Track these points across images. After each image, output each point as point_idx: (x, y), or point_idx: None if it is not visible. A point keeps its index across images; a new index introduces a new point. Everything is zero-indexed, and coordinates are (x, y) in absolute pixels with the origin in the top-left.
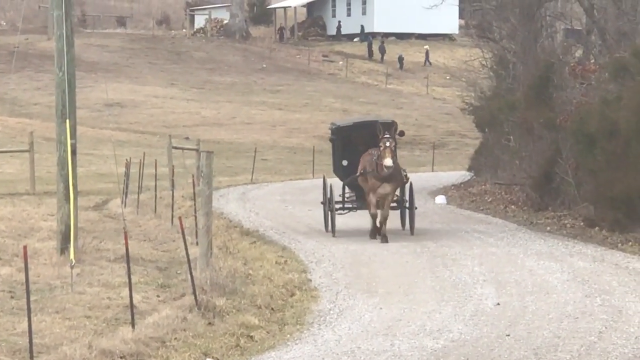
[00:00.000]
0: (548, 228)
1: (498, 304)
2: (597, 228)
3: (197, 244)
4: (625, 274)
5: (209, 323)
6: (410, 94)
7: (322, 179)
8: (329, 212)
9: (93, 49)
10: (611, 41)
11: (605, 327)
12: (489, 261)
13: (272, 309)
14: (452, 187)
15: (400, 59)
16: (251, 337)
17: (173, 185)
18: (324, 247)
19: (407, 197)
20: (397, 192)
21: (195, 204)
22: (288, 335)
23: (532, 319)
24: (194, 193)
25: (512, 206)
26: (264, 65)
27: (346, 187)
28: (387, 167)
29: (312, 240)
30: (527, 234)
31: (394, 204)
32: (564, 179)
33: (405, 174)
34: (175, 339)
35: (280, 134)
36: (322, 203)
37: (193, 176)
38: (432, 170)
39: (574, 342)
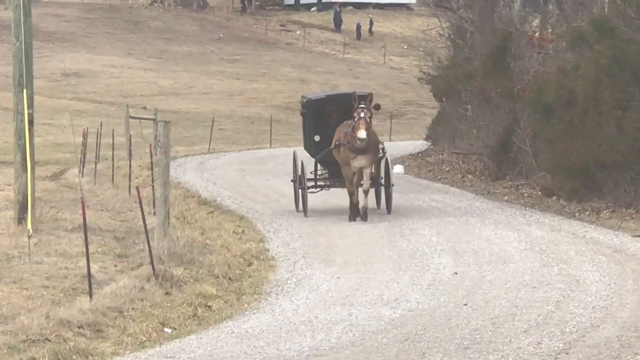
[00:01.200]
0: (505, 197)
1: (455, 273)
2: (554, 197)
3: (154, 213)
4: (583, 243)
5: (167, 293)
6: (368, 63)
7: (281, 150)
8: (300, 191)
9: (50, 18)
10: (569, 10)
11: (563, 297)
12: (446, 231)
13: (230, 278)
14: (410, 157)
15: (358, 28)
16: (209, 306)
17: (130, 155)
18: (282, 217)
19: (382, 173)
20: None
21: (152, 174)
22: (246, 305)
23: (489, 289)
24: (152, 163)
25: (470, 175)
26: (221, 35)
27: (318, 164)
28: (361, 140)
29: (270, 209)
30: (484, 203)
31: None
32: (522, 149)
33: (382, 146)
34: (133, 308)
35: (238, 103)
36: (292, 181)
37: (150, 146)
38: (390, 140)
39: (532, 312)
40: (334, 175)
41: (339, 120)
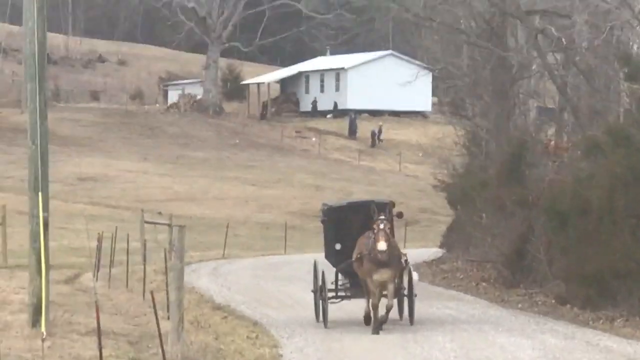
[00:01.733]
0: (519, 305)
1: None
2: (568, 305)
3: (168, 318)
4: (596, 351)
5: None
6: (383, 170)
7: (295, 256)
8: (321, 302)
9: (66, 123)
10: (584, 119)
11: None
12: (460, 338)
13: None
14: (425, 264)
15: (373, 134)
16: None
17: (145, 260)
18: (296, 322)
19: (405, 283)
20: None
21: (167, 279)
22: None
23: None
24: (166, 267)
25: (484, 283)
26: (237, 141)
27: (339, 274)
28: (381, 252)
29: (284, 315)
30: (498, 311)
31: None
32: (536, 256)
33: (405, 258)
34: None
35: (253, 209)
36: (312, 291)
37: (165, 250)
38: (404, 247)
39: None
40: (356, 286)
41: (360, 229)
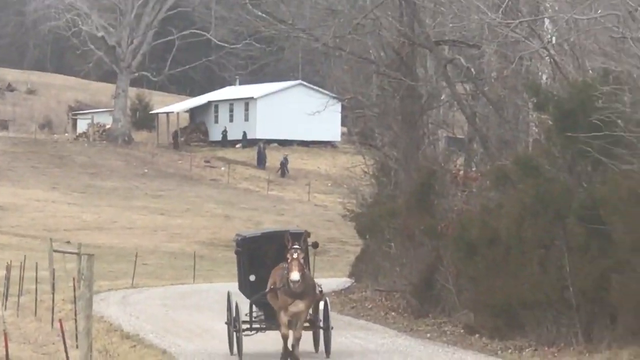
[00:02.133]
0: (428, 335)
1: None
2: (477, 335)
3: (77, 347)
4: None
5: None
6: (292, 200)
7: (204, 285)
8: (235, 333)
9: None
10: (493, 149)
11: None
12: None
13: None
14: (333, 294)
15: (282, 164)
16: None
17: (54, 289)
18: (204, 352)
19: (321, 315)
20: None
21: (75, 307)
22: None
23: None
24: (75, 296)
25: (393, 313)
26: (146, 170)
27: (254, 306)
28: (293, 282)
29: (192, 344)
30: (407, 340)
31: (306, 324)
32: (445, 286)
33: (320, 289)
34: None
35: (162, 238)
36: (225, 323)
37: (74, 279)
38: (313, 277)
39: None
40: (270, 317)
41: (275, 260)
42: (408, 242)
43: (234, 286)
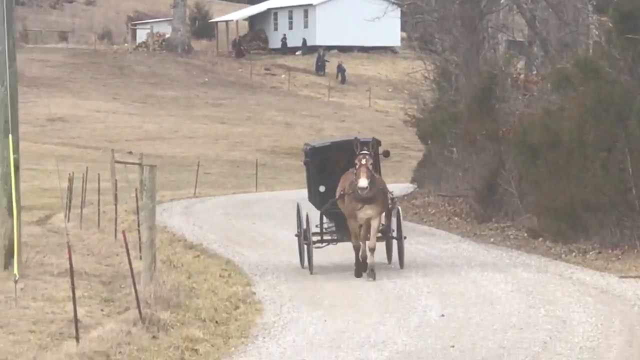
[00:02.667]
0: (492, 239)
1: (442, 315)
2: (540, 239)
3: (140, 257)
4: (569, 284)
5: (154, 337)
6: (353, 106)
7: (267, 194)
8: (306, 246)
9: (35, 64)
10: (553, 52)
11: (550, 338)
12: (432, 273)
13: (217, 322)
14: (396, 200)
15: (341, 70)
16: (196, 350)
17: (116, 200)
18: (268, 260)
19: (394, 225)
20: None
21: (138, 218)
22: (232, 349)
23: (476, 330)
24: (137, 207)
25: (456, 218)
26: (206, 79)
27: (324, 217)
28: (361, 189)
29: (256, 253)
30: (470, 245)
31: (378, 234)
32: (507, 191)
33: (391, 197)
34: (120, 352)
35: (223, 147)
36: (296, 235)
37: (136, 190)
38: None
39: (519, 353)
40: (342, 229)
41: (344, 170)
42: (470, 147)
43: (296, 194)
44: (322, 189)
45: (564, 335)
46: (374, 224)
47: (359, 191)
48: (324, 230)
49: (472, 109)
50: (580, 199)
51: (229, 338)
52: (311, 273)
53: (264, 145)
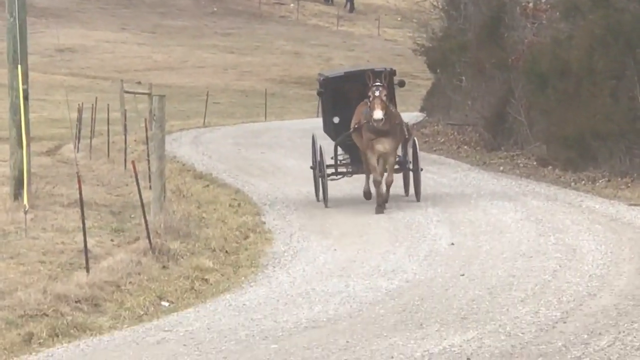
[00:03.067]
0: (501, 168)
1: (452, 243)
2: (550, 167)
3: (150, 187)
4: (579, 212)
5: (164, 267)
6: (362, 35)
7: (276, 123)
8: (320, 179)
9: None
10: None
11: (560, 266)
12: (442, 201)
13: (227, 251)
14: (412, 130)
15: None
16: (206, 280)
17: (126, 130)
18: (277, 190)
19: (410, 157)
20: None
21: (148, 148)
22: (242, 278)
23: (486, 259)
24: (147, 137)
25: (465, 146)
26: (215, 9)
27: (339, 148)
28: (376, 121)
29: (266, 182)
30: (480, 174)
31: (395, 165)
32: (517, 119)
33: (407, 128)
34: (130, 282)
35: (232, 77)
36: (311, 167)
37: (145, 120)
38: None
39: (529, 281)
40: (357, 161)
41: (360, 100)
42: (479, 75)
43: (304, 123)
44: (336, 120)
45: (573, 264)
46: (391, 159)
47: (374, 123)
48: (338, 163)
49: (481, 38)
50: (590, 127)
51: (238, 267)
52: (326, 206)
53: (273, 74)
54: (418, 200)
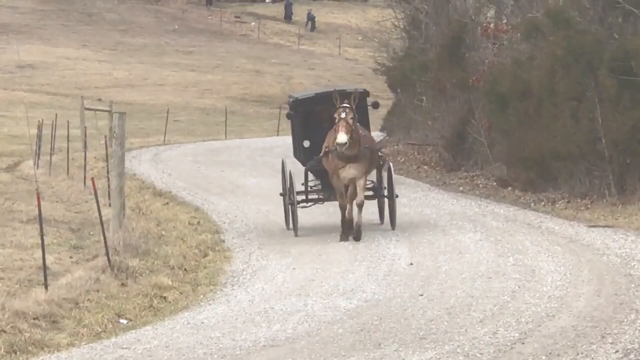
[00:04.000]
0: (461, 188)
1: (411, 263)
2: (509, 188)
3: (110, 205)
4: (538, 233)
5: (122, 284)
6: (323, 54)
7: (236, 141)
8: (290, 206)
9: (4, 10)
10: (523, 1)
11: (518, 287)
12: (402, 222)
13: (185, 269)
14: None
15: (311, 18)
16: (164, 297)
17: (85, 147)
18: (237, 208)
19: (385, 183)
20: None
21: (107, 165)
22: (201, 296)
23: (445, 279)
24: (107, 154)
25: (425, 166)
26: (176, 27)
27: (309, 174)
28: (339, 145)
29: (225, 201)
30: (440, 194)
31: (369, 192)
32: (477, 139)
33: (381, 154)
34: (89, 300)
35: (193, 95)
36: (280, 194)
37: (105, 137)
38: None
39: (487, 302)
40: (328, 187)
41: (332, 123)
42: (440, 95)
43: (264, 142)
44: (306, 144)
45: (532, 285)
46: (360, 183)
47: (338, 147)
48: (309, 189)
49: (442, 58)
50: (550, 148)
51: (197, 285)
52: (296, 235)
53: (234, 92)
54: (393, 228)
